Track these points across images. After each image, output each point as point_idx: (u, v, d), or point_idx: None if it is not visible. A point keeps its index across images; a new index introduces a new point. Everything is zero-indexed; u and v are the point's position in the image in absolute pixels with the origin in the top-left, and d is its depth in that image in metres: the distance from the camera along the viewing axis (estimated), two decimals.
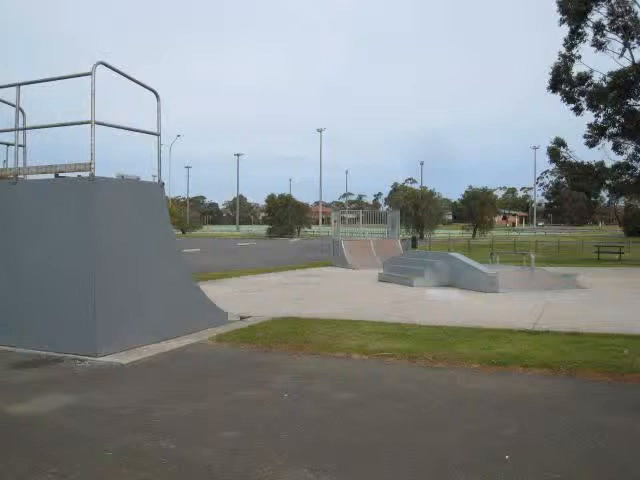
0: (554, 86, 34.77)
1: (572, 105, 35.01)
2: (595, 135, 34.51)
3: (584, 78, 34.30)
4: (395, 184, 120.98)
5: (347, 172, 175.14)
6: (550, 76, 34.76)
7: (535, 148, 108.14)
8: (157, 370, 8.79)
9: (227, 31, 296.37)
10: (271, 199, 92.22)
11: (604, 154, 35.52)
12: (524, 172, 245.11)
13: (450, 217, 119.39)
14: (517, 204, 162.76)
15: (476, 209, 79.86)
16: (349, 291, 19.10)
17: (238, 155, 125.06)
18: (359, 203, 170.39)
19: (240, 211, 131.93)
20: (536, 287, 18.13)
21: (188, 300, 11.41)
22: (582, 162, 35.63)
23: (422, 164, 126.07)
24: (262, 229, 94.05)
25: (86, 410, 6.85)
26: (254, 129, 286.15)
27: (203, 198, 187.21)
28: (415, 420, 6.49)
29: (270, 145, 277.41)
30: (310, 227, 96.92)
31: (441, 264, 19.99)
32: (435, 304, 15.89)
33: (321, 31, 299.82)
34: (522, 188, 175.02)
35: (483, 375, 8.32)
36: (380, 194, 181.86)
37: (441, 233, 77.98)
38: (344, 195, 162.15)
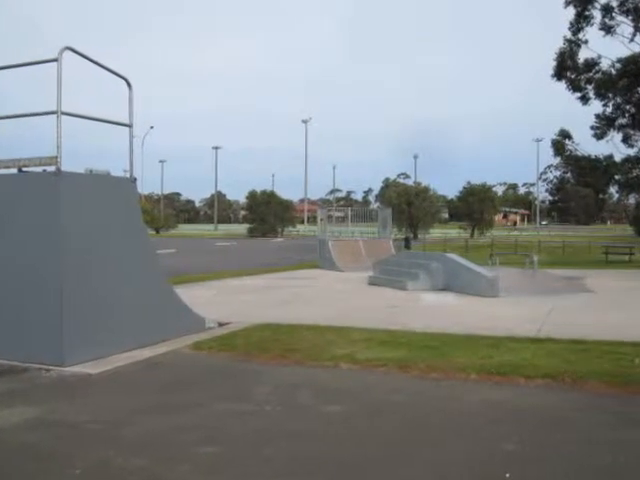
0: (559, 73, 34.93)
1: (578, 94, 35.16)
2: (603, 126, 34.62)
3: (591, 64, 34.45)
4: (387, 180, 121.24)
5: (334, 167, 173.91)
6: (554, 62, 34.88)
7: (538, 141, 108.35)
8: (129, 381, 8.80)
9: (205, 16, 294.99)
10: (252, 196, 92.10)
11: (613, 147, 35.59)
12: (526, 167, 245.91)
13: (446, 215, 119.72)
14: (519, 201, 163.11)
15: (474, 207, 79.86)
16: (337, 295, 19.18)
17: (216, 148, 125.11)
18: (347, 200, 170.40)
19: (219, 209, 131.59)
20: (539, 291, 18.25)
21: (163, 305, 11.41)
22: (589, 155, 35.74)
23: (416, 158, 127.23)
24: (243, 228, 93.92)
25: (52, 424, 6.85)
26: (234, 121, 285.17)
27: (179, 195, 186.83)
28: (408, 435, 6.53)
29: (251, 138, 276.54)
30: (295, 226, 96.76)
31: (436, 266, 20.06)
32: (430, 309, 15.97)
33: (306, 16, 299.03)
34: (524, 184, 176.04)
35: (482, 386, 8.37)
36: (370, 190, 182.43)
37: (437, 233, 77.70)
38: (331, 192, 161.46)
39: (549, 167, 50.44)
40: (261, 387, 8.29)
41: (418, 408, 7.47)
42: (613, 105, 34.74)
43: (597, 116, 35.01)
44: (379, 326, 12.56)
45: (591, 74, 34.65)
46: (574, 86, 35.06)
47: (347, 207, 44.40)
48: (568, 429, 6.66)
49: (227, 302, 16.81)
